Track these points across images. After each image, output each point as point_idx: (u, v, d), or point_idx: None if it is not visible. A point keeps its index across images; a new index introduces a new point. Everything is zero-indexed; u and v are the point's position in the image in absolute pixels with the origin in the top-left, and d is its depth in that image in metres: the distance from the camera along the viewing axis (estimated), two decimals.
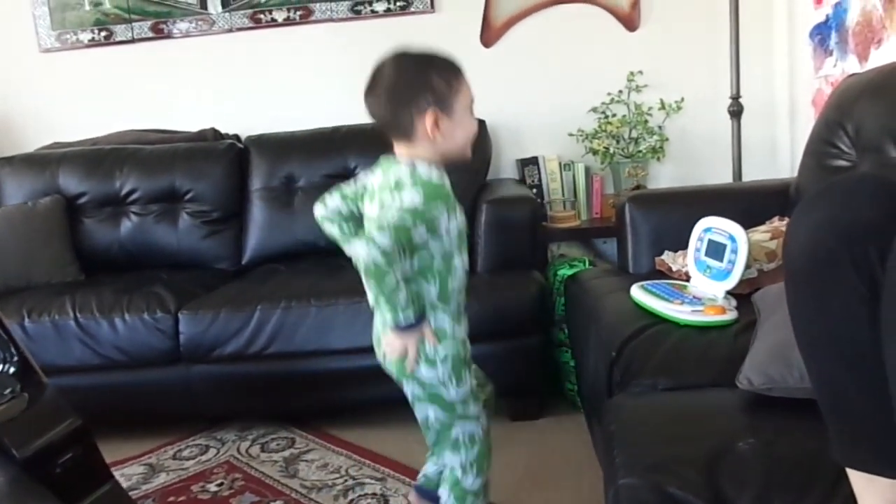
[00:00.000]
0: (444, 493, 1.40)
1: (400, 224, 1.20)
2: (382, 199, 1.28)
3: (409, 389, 1.36)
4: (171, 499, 1.80)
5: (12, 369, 1.18)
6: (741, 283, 1.50)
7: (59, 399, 1.20)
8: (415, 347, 1.28)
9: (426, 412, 1.37)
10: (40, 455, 1.10)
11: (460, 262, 1.33)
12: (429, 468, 1.49)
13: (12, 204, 2.51)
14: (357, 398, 2.08)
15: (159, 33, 2.83)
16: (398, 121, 1.26)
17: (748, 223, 1.62)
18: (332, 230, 1.42)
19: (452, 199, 1.27)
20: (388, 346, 1.30)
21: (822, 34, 2.31)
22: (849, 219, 0.69)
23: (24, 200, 2.50)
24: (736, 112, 2.55)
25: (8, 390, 1.14)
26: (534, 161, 2.75)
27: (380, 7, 2.76)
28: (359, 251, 1.18)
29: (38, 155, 2.66)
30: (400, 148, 1.31)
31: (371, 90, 1.29)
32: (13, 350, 1.19)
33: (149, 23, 2.82)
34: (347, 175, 2.53)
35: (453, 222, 1.27)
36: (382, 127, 1.30)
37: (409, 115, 1.25)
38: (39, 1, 2.82)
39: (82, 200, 2.55)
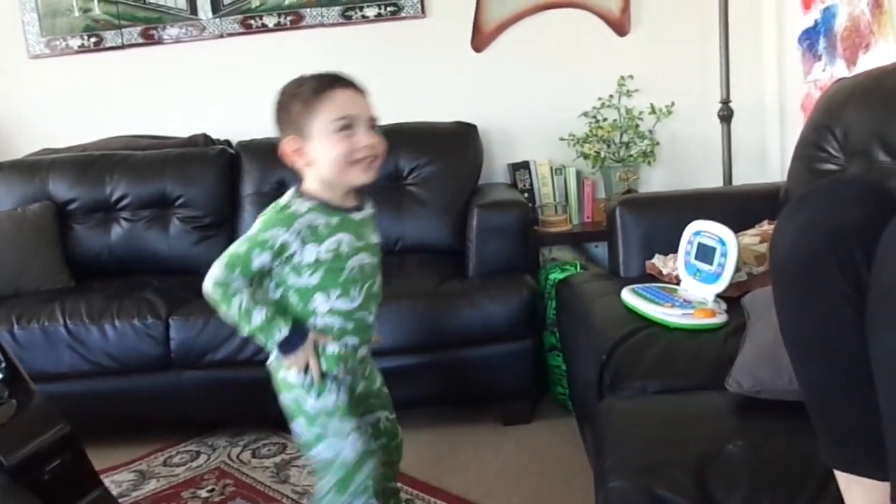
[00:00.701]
0: None
1: (234, 251, 1.21)
2: None
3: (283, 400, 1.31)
4: None
5: (0, 376, 1.17)
6: (731, 286, 1.51)
7: (47, 406, 1.19)
8: (313, 360, 1.24)
9: (296, 426, 1.31)
10: (28, 462, 1.09)
11: (331, 301, 1.25)
12: None
13: (2, 210, 2.49)
14: None
15: (149, 39, 2.83)
16: (279, 151, 1.27)
17: (738, 227, 1.63)
18: None
19: (316, 229, 1.22)
20: (290, 366, 1.24)
21: (811, 39, 2.33)
22: (834, 221, 0.70)
23: (14, 207, 2.49)
24: (726, 116, 2.57)
25: None
26: (525, 165, 2.76)
27: (370, 12, 2.77)
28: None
29: (28, 161, 2.65)
30: None
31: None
32: (1, 357, 1.19)
33: (139, 28, 2.82)
34: None
35: (322, 254, 1.23)
36: None
37: (281, 145, 1.26)
38: (28, 7, 2.81)
39: (72, 206, 2.54)
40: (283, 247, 1.20)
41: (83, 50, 2.84)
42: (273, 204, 1.26)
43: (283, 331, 1.21)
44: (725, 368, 1.16)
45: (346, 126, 1.22)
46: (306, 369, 1.24)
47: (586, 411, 1.52)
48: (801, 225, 0.73)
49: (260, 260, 1.20)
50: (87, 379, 2.07)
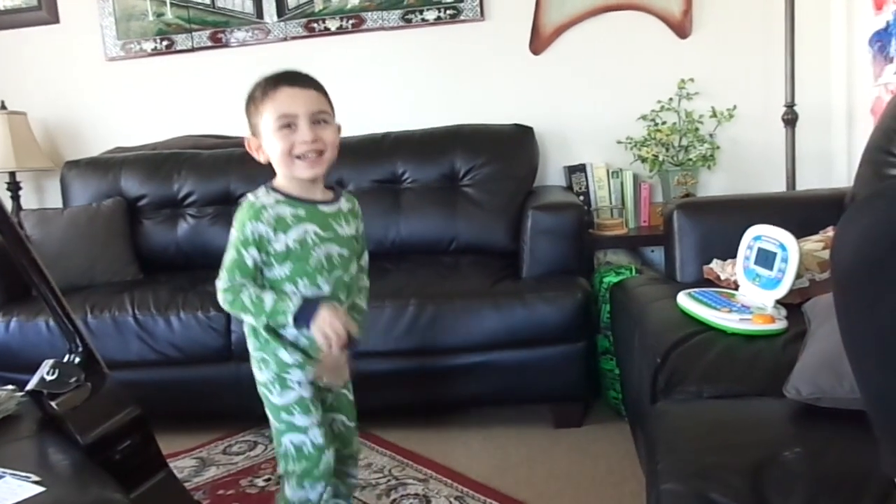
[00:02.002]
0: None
1: (228, 260, 1.27)
2: None
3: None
4: (221, 492, 1.86)
5: (77, 359, 1.24)
6: (792, 292, 1.48)
7: (118, 389, 1.26)
8: (337, 325, 1.25)
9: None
10: (101, 441, 1.15)
11: (299, 290, 1.29)
12: None
13: (77, 205, 2.63)
14: (399, 399, 2.11)
15: (217, 42, 2.93)
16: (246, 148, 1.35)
17: (801, 233, 1.59)
18: None
19: (284, 219, 1.27)
20: (324, 336, 1.26)
21: (882, 41, 2.25)
22: None
23: (89, 202, 2.62)
24: (790, 120, 2.50)
25: (73, 379, 1.20)
26: (581, 168, 2.74)
27: (430, 16, 2.81)
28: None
29: (102, 159, 2.78)
30: None
31: None
32: (78, 341, 1.26)
33: (208, 32, 2.93)
34: (395, 180, 2.57)
35: (291, 242, 1.27)
36: None
37: (246, 143, 1.34)
38: (107, 12, 2.95)
39: (142, 202, 2.65)
40: (262, 237, 1.26)
41: (155, 53, 2.97)
42: (242, 202, 1.30)
43: (294, 302, 1.25)
44: (784, 375, 1.13)
45: (287, 124, 1.27)
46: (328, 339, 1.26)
47: (639, 415, 1.51)
48: (864, 228, 0.71)
49: (251, 256, 1.26)
50: (153, 368, 2.16)
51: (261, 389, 1.35)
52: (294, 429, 1.32)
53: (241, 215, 1.28)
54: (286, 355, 1.30)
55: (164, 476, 1.23)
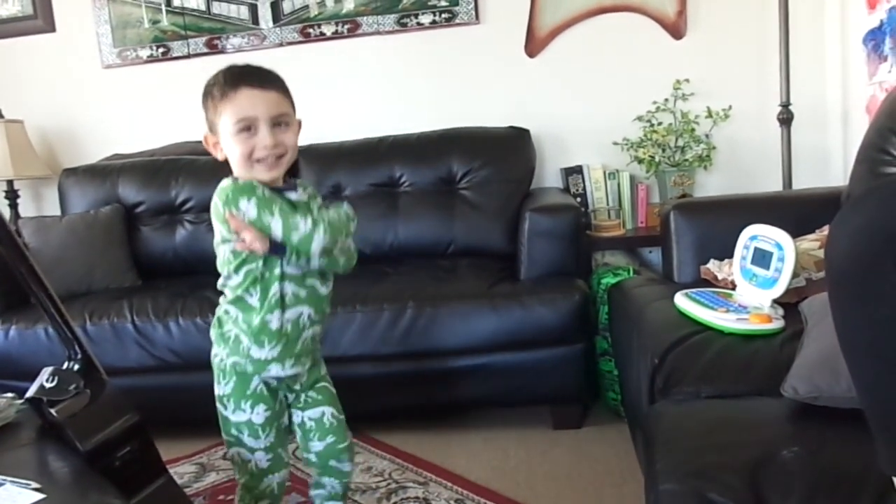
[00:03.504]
0: None
1: (254, 222, 1.22)
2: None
3: None
4: (221, 497, 1.86)
5: (76, 366, 1.24)
6: (789, 291, 1.48)
7: (118, 396, 1.26)
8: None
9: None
10: (101, 448, 1.15)
11: (282, 266, 1.27)
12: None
13: (75, 212, 2.63)
14: (398, 402, 2.11)
15: (213, 48, 2.94)
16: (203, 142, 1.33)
17: (797, 232, 1.60)
18: None
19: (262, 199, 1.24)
20: None
21: (876, 39, 2.26)
22: (891, 223, 0.69)
23: (87, 209, 2.62)
24: (786, 120, 2.51)
25: (72, 386, 1.20)
26: (578, 170, 2.75)
27: (425, 19, 2.81)
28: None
29: (100, 166, 2.79)
30: None
31: None
32: (77, 348, 1.26)
33: (204, 38, 2.93)
34: (393, 184, 2.57)
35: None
36: None
37: (203, 138, 1.32)
38: (102, 20, 2.96)
39: (140, 209, 2.66)
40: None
41: (152, 60, 2.97)
42: (223, 189, 1.25)
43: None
44: (781, 374, 1.14)
45: (246, 128, 1.24)
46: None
47: (638, 416, 1.51)
48: (857, 228, 0.72)
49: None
50: (152, 374, 2.16)
51: (217, 402, 1.37)
52: (241, 444, 1.35)
53: (243, 188, 1.22)
54: (259, 351, 1.29)
55: (164, 482, 1.23)
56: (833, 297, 0.79)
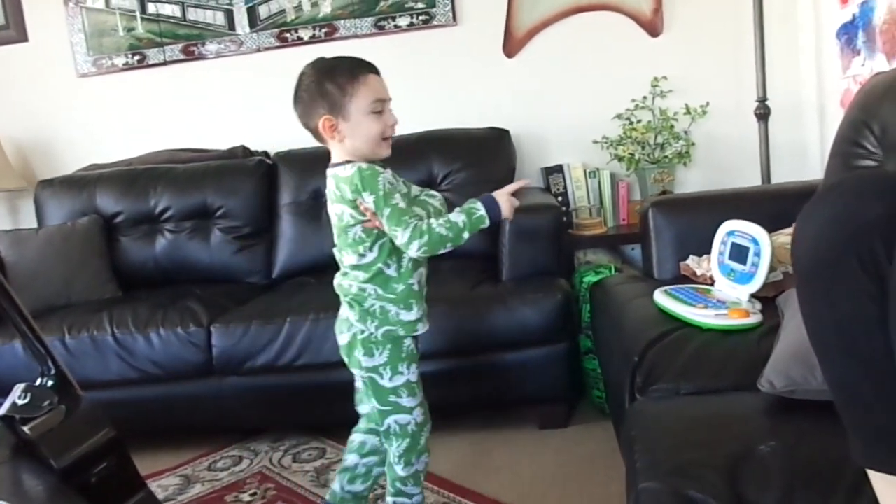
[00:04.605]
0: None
1: (395, 211, 1.34)
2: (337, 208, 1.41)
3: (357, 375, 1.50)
4: None
5: (50, 382, 1.22)
6: (766, 286, 1.49)
7: (93, 411, 1.24)
8: (513, 199, 1.46)
9: (369, 399, 1.48)
10: (76, 465, 1.13)
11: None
12: (335, 485, 1.59)
13: (52, 224, 2.60)
14: None
15: (190, 55, 2.92)
16: (308, 126, 1.41)
17: (775, 226, 1.60)
18: None
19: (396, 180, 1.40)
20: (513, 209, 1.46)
21: (849, 34, 2.27)
22: (855, 216, 0.69)
23: (64, 221, 2.59)
24: (763, 115, 2.53)
25: (46, 402, 1.18)
26: (559, 169, 2.75)
27: (403, 22, 2.81)
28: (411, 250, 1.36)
29: (77, 176, 2.76)
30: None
31: (293, 99, 1.42)
32: (50, 364, 1.24)
33: (180, 45, 2.91)
34: None
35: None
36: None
37: (311, 121, 1.39)
38: (76, 28, 2.93)
39: (119, 219, 2.63)
40: (393, 184, 1.37)
41: (127, 67, 2.95)
42: (350, 178, 1.35)
43: (478, 207, 1.40)
44: (759, 369, 1.14)
45: (380, 109, 1.38)
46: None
47: (620, 414, 1.51)
48: (822, 221, 0.72)
49: (403, 198, 1.36)
50: (133, 386, 2.14)
51: (367, 374, 1.43)
52: (398, 410, 1.43)
53: (368, 179, 1.34)
54: (409, 314, 1.41)
55: (143, 496, 1.21)
56: (800, 292, 0.79)
